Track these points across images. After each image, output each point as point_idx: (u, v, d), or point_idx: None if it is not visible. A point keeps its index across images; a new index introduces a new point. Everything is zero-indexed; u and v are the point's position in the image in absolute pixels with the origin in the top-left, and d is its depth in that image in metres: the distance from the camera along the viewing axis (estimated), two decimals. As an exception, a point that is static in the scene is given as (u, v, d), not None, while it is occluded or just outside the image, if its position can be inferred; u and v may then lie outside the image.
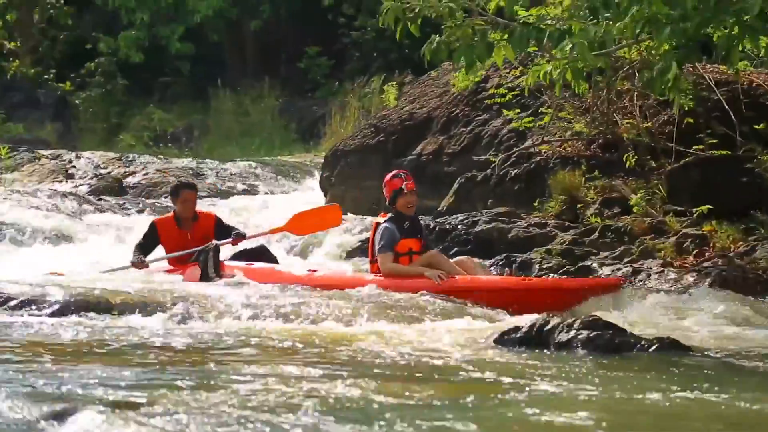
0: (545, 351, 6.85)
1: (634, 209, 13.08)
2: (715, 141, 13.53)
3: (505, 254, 12.43)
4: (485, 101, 16.44)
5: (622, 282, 9.22)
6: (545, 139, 15.00)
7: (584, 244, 12.69)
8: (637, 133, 14.32)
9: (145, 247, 10.85)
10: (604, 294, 9.02)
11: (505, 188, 14.86)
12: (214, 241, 10.55)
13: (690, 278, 11.16)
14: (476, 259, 10.61)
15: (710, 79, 14.42)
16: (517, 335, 7.31)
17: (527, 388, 5.33)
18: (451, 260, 9.84)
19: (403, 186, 9.71)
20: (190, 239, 10.73)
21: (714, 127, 13.81)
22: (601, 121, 14.95)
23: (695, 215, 12.55)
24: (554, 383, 5.48)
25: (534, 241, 12.99)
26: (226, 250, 11.29)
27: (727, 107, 13.90)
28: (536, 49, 11.58)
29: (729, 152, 13.41)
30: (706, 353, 6.67)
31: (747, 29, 9.31)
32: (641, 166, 13.93)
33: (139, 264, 10.60)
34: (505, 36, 10.51)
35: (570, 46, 10.07)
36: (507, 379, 5.68)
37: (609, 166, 14.28)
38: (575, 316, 7.55)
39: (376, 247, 9.67)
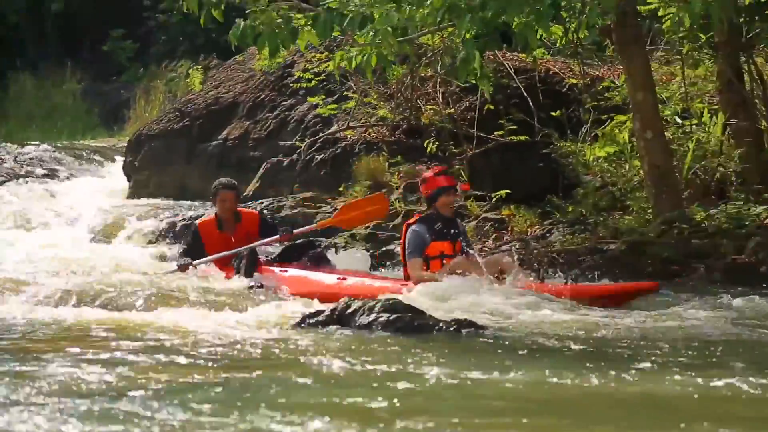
0: (346, 333, 6.90)
1: (437, 194, 13.30)
2: (514, 127, 13.91)
3: (309, 238, 12.46)
4: (291, 86, 16.43)
5: (656, 286, 8.39)
6: (350, 124, 15.13)
7: (388, 229, 12.84)
8: (440, 119, 14.59)
9: (189, 252, 10.19)
10: (639, 297, 8.46)
11: (311, 173, 14.92)
12: (248, 247, 9.96)
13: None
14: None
15: (510, 67, 14.81)
16: (319, 318, 7.35)
17: (323, 369, 5.38)
18: (487, 258, 9.14)
19: (457, 185, 9.11)
20: (234, 242, 10.12)
21: (513, 113, 14.20)
22: (405, 107, 15.16)
23: (494, 200, 12.89)
24: (350, 364, 5.54)
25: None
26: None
27: (525, 94, 14.33)
28: (340, 33, 11.66)
29: (527, 138, 13.82)
30: (502, 334, 6.84)
31: (541, 17, 9.59)
32: (443, 152, 14.20)
33: (185, 267, 9.95)
34: (310, 21, 10.55)
35: (373, 32, 10.19)
36: (303, 362, 5.71)
37: (413, 152, 14.51)
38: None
39: (406, 252, 9.11)
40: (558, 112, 13.97)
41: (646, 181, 11.56)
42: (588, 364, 5.52)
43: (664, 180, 11.27)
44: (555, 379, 5.10)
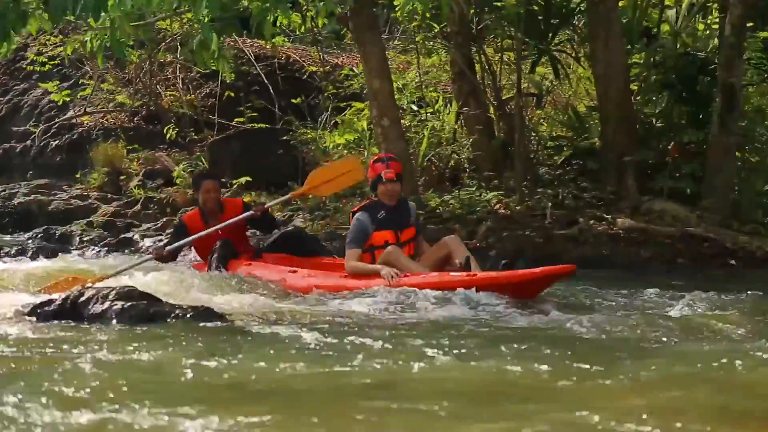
0: (79, 323, 6.73)
1: (177, 181, 13.21)
2: (255, 114, 13.94)
3: (44, 227, 12.15)
4: (25, 69, 15.90)
5: (573, 269, 7.67)
6: (87, 110, 14.78)
7: (126, 216, 12.66)
8: (180, 106, 14.45)
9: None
10: (558, 280, 7.95)
11: (46, 160, 14.51)
12: (220, 225, 9.38)
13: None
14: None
15: (250, 54, 14.81)
16: (50, 308, 7.12)
17: (55, 362, 5.23)
18: (437, 243, 8.42)
19: (382, 173, 8.37)
20: (221, 232, 9.45)
21: (254, 100, 14.23)
22: (144, 93, 14.93)
23: (235, 186, 12.88)
24: (84, 354, 5.41)
25: (75, 213, 12.79)
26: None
27: (266, 81, 14.38)
28: (74, 17, 11.35)
29: (268, 125, 13.87)
30: (238, 321, 6.82)
31: (279, 2, 9.64)
32: (184, 138, 14.09)
33: (160, 252, 9.41)
34: (41, 4, 10.22)
35: (109, 17, 9.98)
36: (35, 353, 5.55)
37: (152, 138, 14.34)
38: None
39: (346, 241, 8.49)
40: (298, 99, 14.09)
41: (383, 168, 11.79)
42: (323, 351, 5.59)
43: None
44: (283, 366, 5.14)
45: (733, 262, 10.74)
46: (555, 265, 7.72)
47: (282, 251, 9.48)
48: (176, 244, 9.52)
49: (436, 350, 5.44)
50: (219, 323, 6.69)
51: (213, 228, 9.38)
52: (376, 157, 8.81)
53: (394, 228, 8.41)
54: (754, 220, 11.39)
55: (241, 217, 9.48)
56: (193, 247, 9.87)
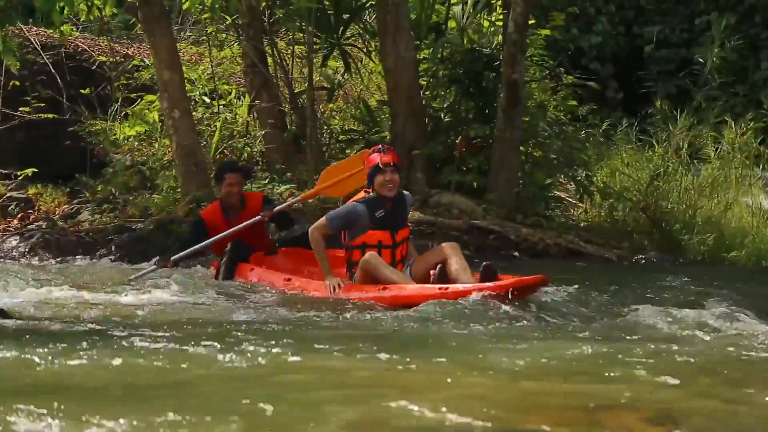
0: None
1: (-41, 172, 12.79)
2: (42, 104, 13.58)
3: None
4: None
5: (546, 279, 7.25)
6: None
7: None
8: (-38, 95, 13.97)
9: (191, 245, 8.91)
10: (531, 292, 7.36)
11: None
12: (228, 231, 8.84)
13: (14, 241, 11.14)
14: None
15: (36, 42, 14.42)
16: None
17: None
18: (439, 246, 7.86)
19: (379, 161, 7.74)
20: (242, 229, 8.85)
21: (40, 90, 13.86)
22: None
23: (20, 178, 12.53)
24: None
25: None
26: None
27: (53, 71, 14.03)
28: None
29: (55, 116, 13.54)
30: (28, 319, 6.68)
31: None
32: (-38, 129, 13.64)
33: (164, 262, 8.86)
34: None
35: None
36: None
37: (-68, 128, 13.81)
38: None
39: (327, 214, 7.95)
40: (87, 89, 13.80)
41: (174, 160, 11.72)
42: (113, 348, 5.52)
43: (191, 159, 11.48)
44: (64, 362, 5.06)
45: (516, 253, 11.11)
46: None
47: (299, 245, 9.09)
48: (180, 255, 9.01)
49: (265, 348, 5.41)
50: (15, 322, 6.54)
51: (218, 236, 8.90)
52: (372, 149, 8.18)
53: (390, 228, 7.94)
54: (536, 212, 11.80)
55: (248, 222, 8.98)
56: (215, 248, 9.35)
